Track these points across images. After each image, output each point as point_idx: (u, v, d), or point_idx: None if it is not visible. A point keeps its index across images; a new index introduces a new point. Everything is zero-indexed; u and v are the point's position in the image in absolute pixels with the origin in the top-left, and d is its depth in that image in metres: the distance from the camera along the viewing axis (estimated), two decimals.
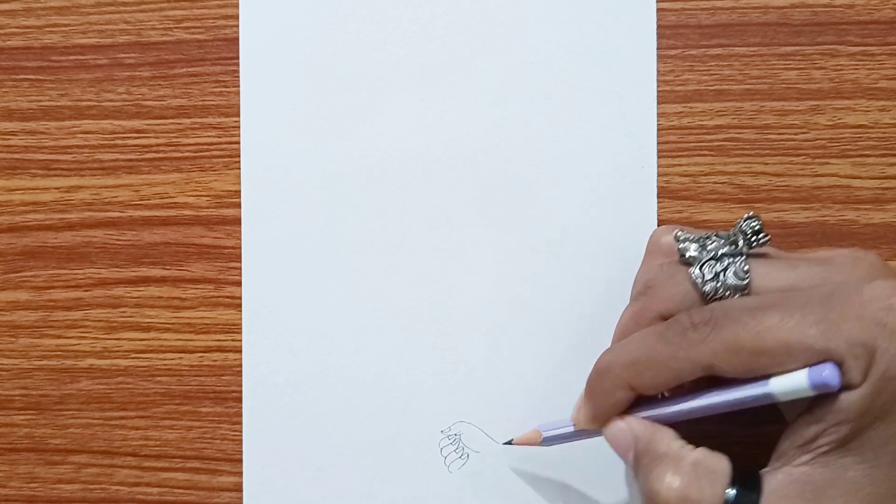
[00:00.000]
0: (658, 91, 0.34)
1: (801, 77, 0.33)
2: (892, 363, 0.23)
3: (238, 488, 0.35)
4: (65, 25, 0.36)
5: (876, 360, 0.23)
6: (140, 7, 0.35)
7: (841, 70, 0.33)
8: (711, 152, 0.34)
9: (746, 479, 0.25)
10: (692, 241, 0.28)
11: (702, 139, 0.34)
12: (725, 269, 0.27)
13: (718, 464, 0.26)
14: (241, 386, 0.35)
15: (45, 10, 0.36)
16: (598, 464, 0.33)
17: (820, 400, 0.24)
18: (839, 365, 0.24)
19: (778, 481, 0.25)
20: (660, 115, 0.34)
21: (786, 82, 0.33)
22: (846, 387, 0.24)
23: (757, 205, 0.33)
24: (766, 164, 0.33)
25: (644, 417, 0.28)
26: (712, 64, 0.34)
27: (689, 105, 0.34)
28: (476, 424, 0.34)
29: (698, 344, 0.25)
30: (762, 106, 0.33)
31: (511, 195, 0.34)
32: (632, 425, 0.28)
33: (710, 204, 0.34)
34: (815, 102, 0.33)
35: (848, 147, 0.33)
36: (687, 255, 0.28)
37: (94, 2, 0.35)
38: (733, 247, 0.27)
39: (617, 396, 0.28)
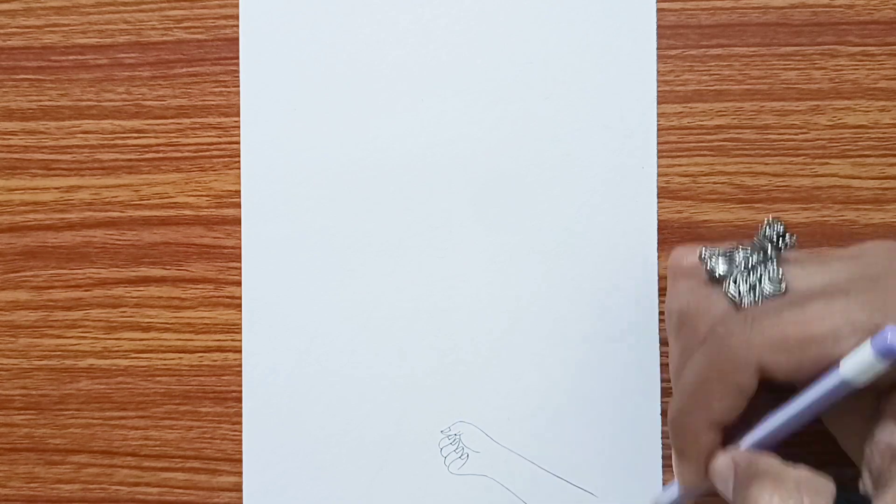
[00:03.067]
0: (658, 91, 0.34)
1: (801, 77, 0.33)
2: None
3: (238, 488, 0.35)
4: (65, 25, 0.36)
5: None
6: (140, 7, 0.35)
7: (841, 70, 0.33)
8: (711, 152, 0.34)
9: (852, 502, 0.24)
10: (719, 255, 0.28)
11: (702, 139, 0.34)
12: (760, 279, 0.26)
13: (823, 484, 0.24)
14: (240, 386, 0.35)
15: (45, 9, 0.36)
16: (597, 464, 0.33)
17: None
18: None
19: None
20: (660, 115, 0.34)
21: (786, 82, 0.33)
22: None
23: (757, 205, 0.33)
24: (766, 164, 0.33)
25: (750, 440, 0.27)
26: (712, 64, 0.34)
27: (689, 105, 0.34)
28: (476, 424, 0.34)
29: (744, 346, 0.25)
30: (762, 106, 0.33)
31: (511, 195, 0.34)
32: (730, 454, 0.26)
33: (710, 204, 0.34)
34: (815, 102, 0.33)
35: (848, 147, 0.33)
36: (717, 272, 0.27)
37: (94, 2, 0.35)
38: (762, 254, 0.27)
39: (703, 441, 0.26)
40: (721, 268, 0.27)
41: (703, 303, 0.27)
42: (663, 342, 0.33)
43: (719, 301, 0.27)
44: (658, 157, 0.34)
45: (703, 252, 0.28)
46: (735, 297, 0.27)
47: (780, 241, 0.27)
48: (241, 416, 0.35)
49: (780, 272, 0.26)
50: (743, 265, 0.27)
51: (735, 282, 0.27)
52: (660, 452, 0.33)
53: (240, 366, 0.35)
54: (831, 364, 0.24)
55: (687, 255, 0.29)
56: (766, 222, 0.28)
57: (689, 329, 0.28)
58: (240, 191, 0.35)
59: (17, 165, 0.36)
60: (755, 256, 0.27)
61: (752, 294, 0.26)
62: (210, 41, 0.35)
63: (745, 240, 0.28)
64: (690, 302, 0.28)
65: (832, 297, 0.24)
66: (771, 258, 0.27)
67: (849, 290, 0.24)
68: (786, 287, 0.26)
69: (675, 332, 0.29)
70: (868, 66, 0.33)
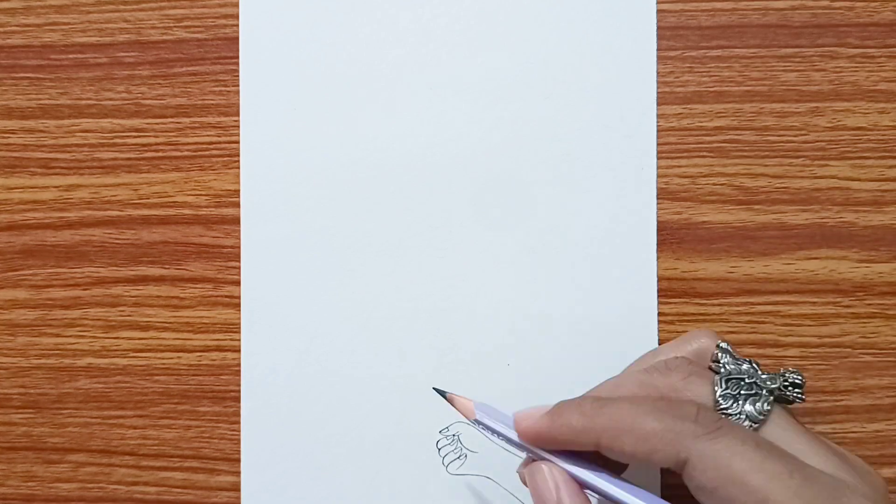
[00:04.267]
0: (658, 92, 0.34)
1: (800, 79, 0.33)
2: None
3: (236, 488, 0.35)
4: (64, 24, 0.36)
5: None
6: (140, 6, 0.35)
7: (840, 72, 0.33)
8: (711, 153, 0.34)
9: None
10: (732, 355, 0.27)
11: (701, 140, 0.34)
12: (749, 397, 0.26)
13: None
14: (239, 385, 0.35)
15: (45, 8, 0.36)
16: None
17: None
18: None
19: None
20: (659, 116, 0.34)
21: (785, 84, 0.33)
22: None
23: (756, 206, 0.33)
24: (766, 165, 0.34)
25: (578, 473, 0.26)
26: (712, 65, 0.34)
27: (688, 106, 0.34)
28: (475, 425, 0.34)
29: (690, 439, 0.23)
30: (762, 107, 0.34)
31: (510, 196, 0.34)
32: (558, 482, 0.26)
33: (710, 205, 0.34)
34: (815, 104, 0.33)
35: (847, 149, 0.33)
36: (722, 362, 0.27)
37: (94, 0, 0.35)
38: (769, 382, 0.26)
39: (579, 440, 0.26)
40: (728, 364, 0.27)
41: (690, 376, 0.26)
42: (663, 342, 0.33)
43: (704, 385, 0.26)
44: (658, 158, 0.34)
45: (722, 344, 0.28)
46: (717, 391, 0.26)
47: (793, 389, 0.26)
48: (239, 415, 0.35)
49: (769, 408, 0.26)
50: (746, 377, 0.26)
51: (728, 381, 0.26)
52: None
53: (238, 365, 0.35)
54: None
55: (706, 338, 0.28)
56: (790, 368, 0.27)
57: (664, 378, 0.27)
58: (239, 190, 0.35)
59: (16, 164, 0.36)
60: (761, 380, 0.26)
61: (732, 400, 0.26)
62: (210, 40, 0.35)
63: (765, 370, 0.27)
64: (683, 368, 0.27)
65: (792, 473, 0.23)
66: (773, 392, 0.26)
67: (810, 480, 0.23)
68: (763, 423, 0.25)
69: (649, 368, 0.28)
70: (868, 68, 0.33)
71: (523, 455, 0.28)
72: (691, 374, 0.26)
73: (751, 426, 0.25)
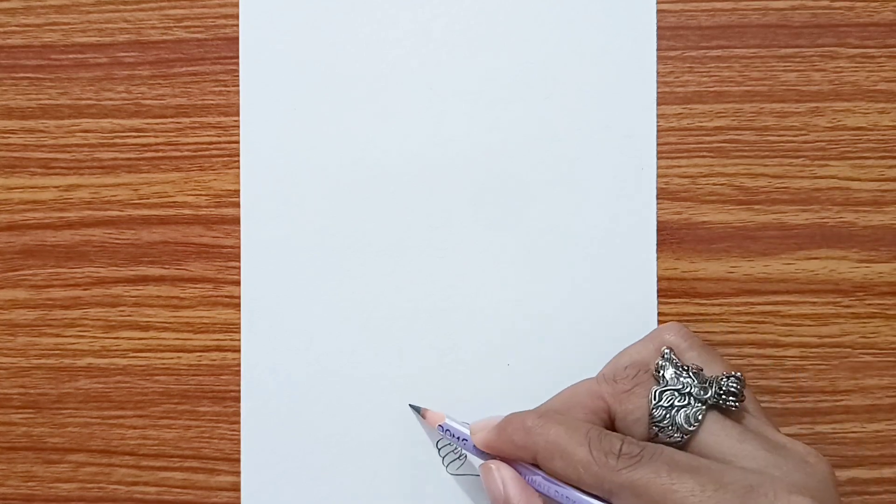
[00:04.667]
0: (658, 92, 0.34)
1: (800, 79, 0.33)
2: None
3: (236, 488, 0.35)
4: (64, 24, 0.36)
5: None
6: (140, 6, 0.35)
7: (840, 72, 0.33)
8: (711, 154, 0.34)
9: None
10: (674, 365, 0.28)
11: (701, 140, 0.34)
12: (682, 408, 0.27)
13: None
14: (239, 385, 0.35)
15: (45, 8, 0.36)
16: None
17: None
18: None
19: None
20: (659, 116, 0.34)
21: (785, 84, 0.33)
22: None
23: (756, 206, 0.33)
24: (766, 165, 0.34)
25: (528, 472, 0.28)
26: (712, 65, 0.34)
27: (688, 106, 0.34)
28: None
29: (611, 472, 0.26)
30: (762, 107, 0.34)
31: (510, 196, 0.34)
32: (505, 480, 0.28)
33: (710, 205, 0.34)
34: (815, 104, 0.33)
35: (847, 149, 0.33)
36: (662, 373, 0.28)
37: (94, 0, 0.35)
38: (702, 392, 0.27)
39: (519, 454, 0.28)
40: (668, 374, 0.28)
41: (633, 387, 0.28)
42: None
43: (641, 397, 0.28)
44: (658, 158, 0.34)
45: (666, 352, 0.29)
46: (652, 402, 0.27)
47: (725, 396, 0.27)
48: (239, 415, 0.35)
49: (701, 417, 0.27)
50: (681, 388, 0.27)
51: (663, 393, 0.27)
52: None
53: (238, 365, 0.35)
54: None
55: (671, 334, 0.30)
56: (731, 373, 0.28)
57: (611, 390, 0.29)
58: (239, 190, 0.35)
59: (16, 164, 0.36)
60: (695, 390, 0.27)
61: (665, 412, 0.27)
62: (210, 40, 0.35)
63: (706, 373, 0.28)
64: (629, 377, 0.29)
65: (706, 486, 0.25)
66: (705, 401, 0.27)
67: (727, 484, 0.25)
68: (694, 432, 0.27)
69: (602, 377, 0.29)
70: (868, 68, 0.33)
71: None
72: (636, 385, 0.28)
73: (682, 437, 0.27)
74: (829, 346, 0.33)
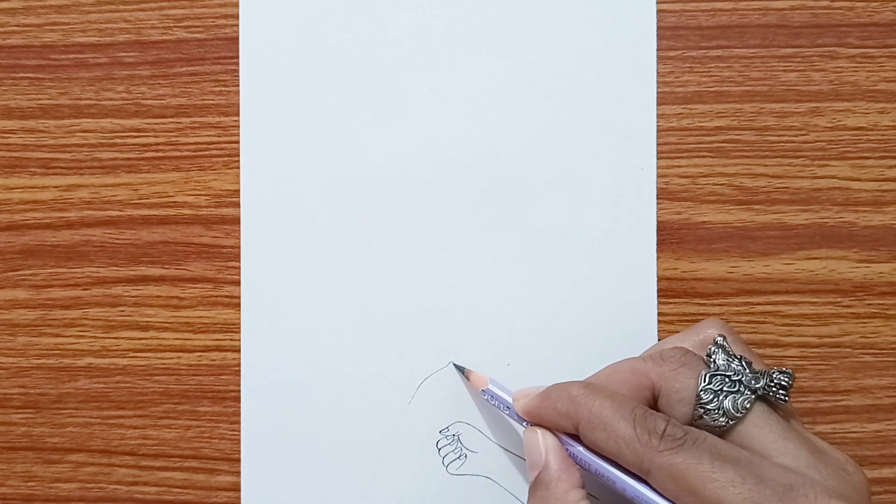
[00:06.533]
0: (658, 92, 0.34)
1: (800, 79, 0.33)
2: None
3: (236, 488, 0.35)
4: (64, 24, 0.36)
5: None
6: (140, 6, 0.35)
7: (840, 72, 0.33)
8: (711, 154, 0.34)
9: None
10: (726, 352, 0.28)
11: (701, 140, 0.34)
12: (731, 394, 0.27)
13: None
14: (239, 385, 0.35)
15: (45, 8, 0.36)
16: None
17: None
18: None
19: None
20: (659, 116, 0.34)
21: (785, 84, 0.33)
22: None
23: (756, 206, 0.33)
24: (766, 165, 0.34)
25: (569, 444, 0.28)
26: (712, 65, 0.34)
27: (688, 106, 0.34)
28: (474, 425, 0.34)
29: (652, 451, 0.25)
30: (762, 108, 0.34)
31: (510, 196, 0.34)
32: (548, 447, 0.28)
33: (710, 205, 0.34)
34: (815, 104, 0.33)
35: (847, 149, 0.33)
36: (713, 358, 0.28)
37: (94, 0, 0.35)
38: (753, 382, 0.27)
39: (561, 423, 0.28)
40: (719, 359, 0.28)
41: (681, 367, 0.28)
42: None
43: (690, 378, 0.28)
44: (658, 158, 0.34)
45: (719, 339, 0.29)
46: (701, 384, 0.27)
47: (776, 389, 0.27)
48: (239, 415, 0.35)
49: (749, 406, 0.27)
50: (732, 374, 0.27)
51: (713, 377, 0.27)
52: None
53: (238, 365, 0.35)
54: None
55: (714, 328, 0.30)
56: (783, 368, 0.28)
57: (657, 368, 0.28)
58: (239, 190, 0.35)
59: (16, 164, 0.36)
60: (746, 378, 0.27)
61: (713, 395, 0.27)
62: (210, 40, 0.35)
63: (758, 366, 0.28)
64: (676, 357, 0.29)
65: (746, 478, 0.24)
66: (755, 391, 0.27)
67: (767, 480, 0.24)
68: (740, 419, 0.27)
69: (648, 356, 0.29)
70: (868, 69, 0.33)
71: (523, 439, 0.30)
72: (682, 366, 0.28)
73: (728, 422, 0.27)
74: (829, 346, 0.33)
